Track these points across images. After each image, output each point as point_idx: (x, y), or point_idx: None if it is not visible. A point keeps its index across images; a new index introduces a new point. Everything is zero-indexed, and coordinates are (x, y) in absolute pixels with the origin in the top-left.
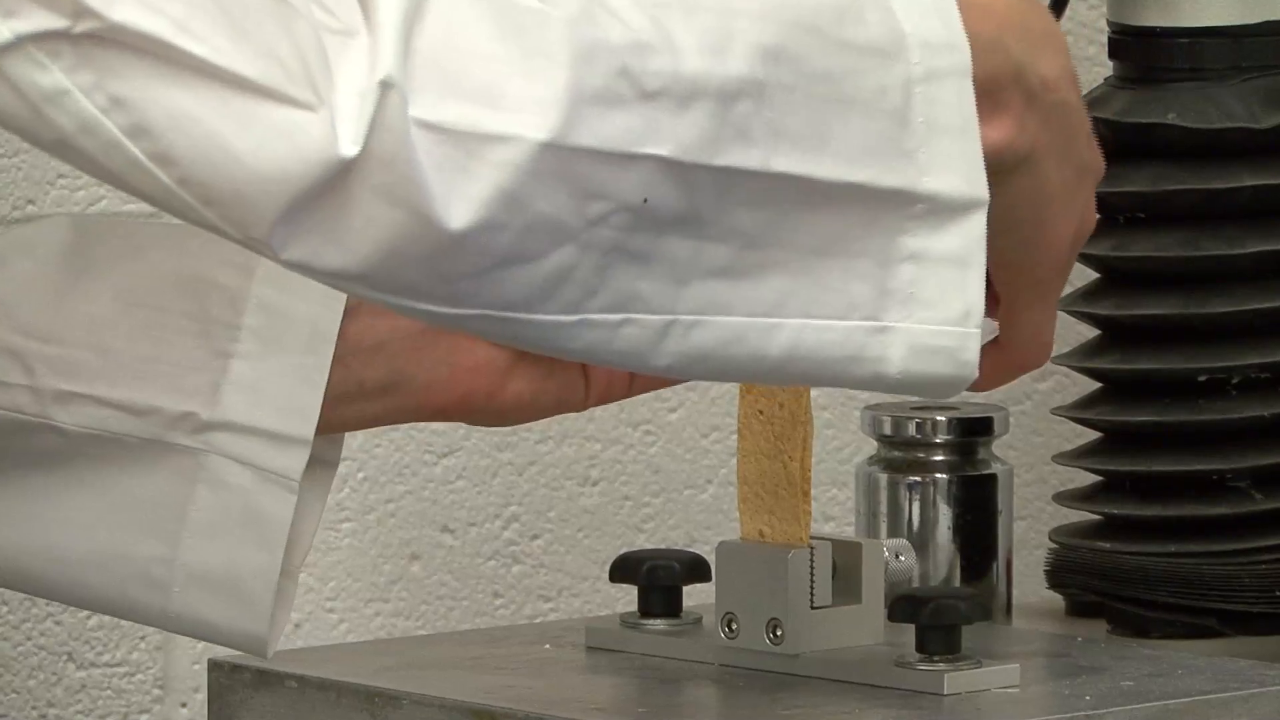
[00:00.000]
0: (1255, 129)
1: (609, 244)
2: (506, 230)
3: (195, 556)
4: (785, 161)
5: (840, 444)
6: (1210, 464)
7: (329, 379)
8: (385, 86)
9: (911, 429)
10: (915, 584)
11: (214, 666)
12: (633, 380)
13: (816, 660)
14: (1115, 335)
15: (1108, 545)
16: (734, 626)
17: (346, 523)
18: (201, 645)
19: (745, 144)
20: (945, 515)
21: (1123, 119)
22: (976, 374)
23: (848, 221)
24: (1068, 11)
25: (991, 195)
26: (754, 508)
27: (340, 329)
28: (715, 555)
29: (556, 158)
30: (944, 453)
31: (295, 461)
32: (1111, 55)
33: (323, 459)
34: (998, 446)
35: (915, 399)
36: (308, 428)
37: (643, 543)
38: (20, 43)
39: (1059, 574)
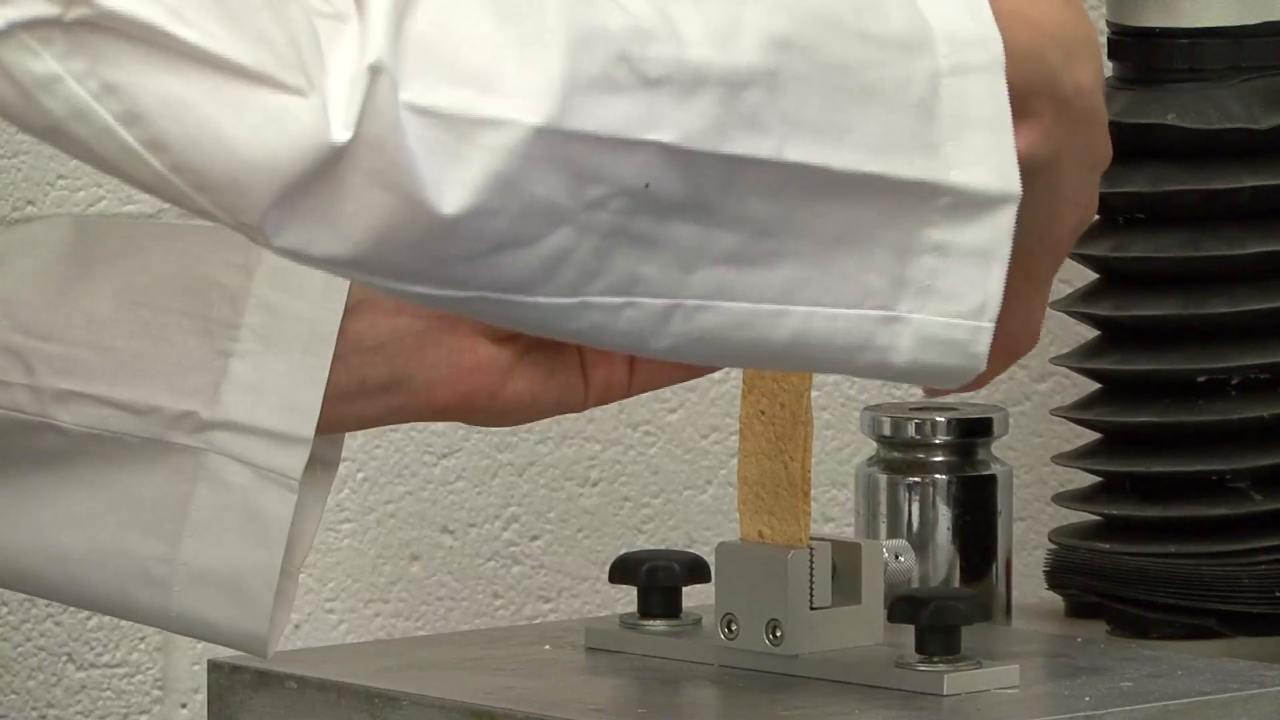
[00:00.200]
0: (1255, 129)
1: (608, 227)
2: (500, 214)
3: (195, 556)
4: (800, 151)
5: (840, 444)
6: (1210, 465)
7: (329, 378)
8: (375, 71)
9: (911, 430)
10: (915, 585)
11: (214, 667)
12: (632, 381)
13: (816, 661)
14: (1115, 336)
15: (1107, 546)
16: (733, 627)
17: (346, 523)
18: (201, 646)
19: (756, 133)
20: (945, 516)
21: (1122, 119)
22: (984, 367)
23: (866, 213)
24: None
25: None
26: (754, 508)
27: (341, 328)
28: (715, 556)
29: (551, 142)
30: (943, 453)
31: (295, 460)
32: (1111, 56)
33: (323, 459)
34: (997, 447)
35: (915, 399)
36: (308, 427)
37: (642, 544)
38: (12, 30)
39: (1058, 575)
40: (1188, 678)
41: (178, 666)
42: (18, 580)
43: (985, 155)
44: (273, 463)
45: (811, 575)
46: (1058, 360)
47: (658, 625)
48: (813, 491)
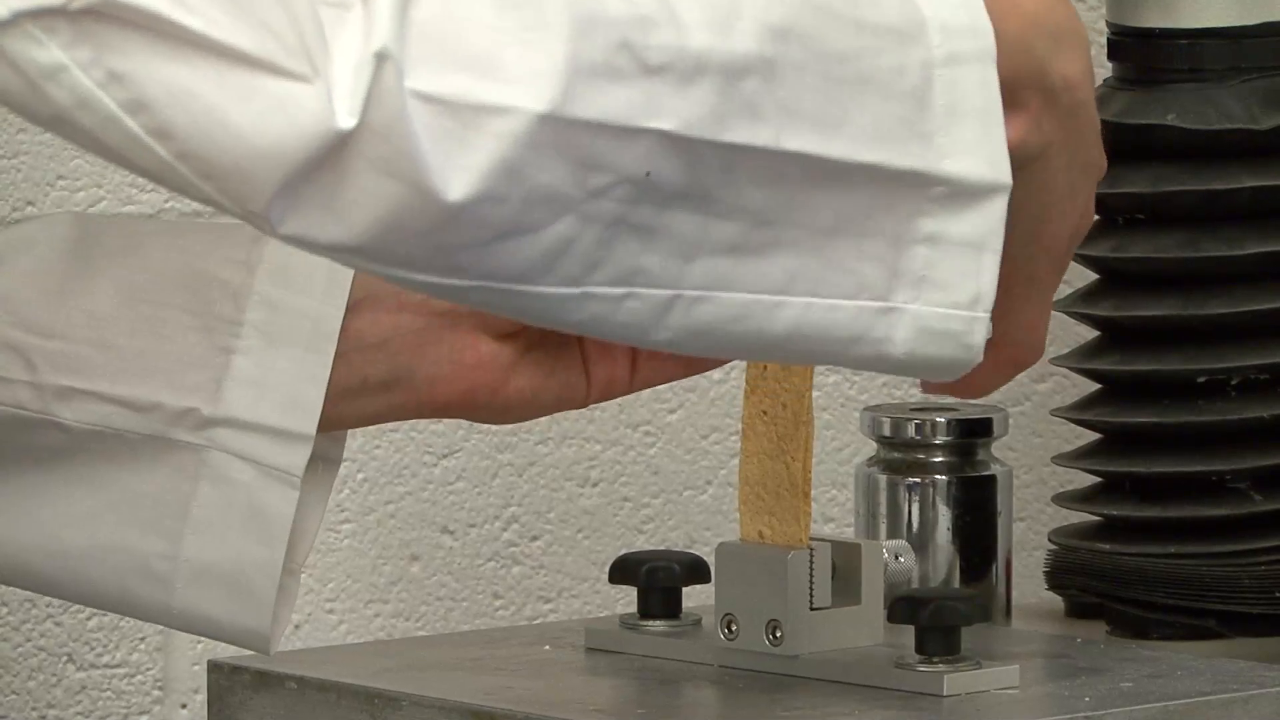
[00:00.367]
0: (1255, 130)
1: (611, 217)
2: (505, 202)
3: (197, 552)
4: (797, 140)
5: (839, 445)
6: (1210, 465)
7: (331, 375)
8: (381, 58)
9: (911, 430)
10: (915, 585)
11: (214, 668)
12: (633, 377)
13: (816, 661)
14: (1114, 336)
15: (1107, 546)
16: (733, 628)
17: (346, 524)
18: (201, 646)
19: (755, 121)
20: (945, 516)
21: (1122, 120)
22: (980, 358)
23: (862, 202)
24: None
25: None
26: (754, 509)
27: (343, 325)
28: (715, 556)
29: (555, 129)
30: (943, 454)
31: (297, 457)
32: (1111, 56)
33: (325, 456)
34: (997, 448)
35: (915, 400)
36: (310, 424)
37: (642, 544)
38: (17, 19)
39: (1058, 575)
40: (1188, 678)
41: (178, 667)
42: (19, 577)
43: (977, 145)
44: (275, 460)
45: (811, 575)
46: (1058, 360)
47: (658, 625)
48: (813, 492)
